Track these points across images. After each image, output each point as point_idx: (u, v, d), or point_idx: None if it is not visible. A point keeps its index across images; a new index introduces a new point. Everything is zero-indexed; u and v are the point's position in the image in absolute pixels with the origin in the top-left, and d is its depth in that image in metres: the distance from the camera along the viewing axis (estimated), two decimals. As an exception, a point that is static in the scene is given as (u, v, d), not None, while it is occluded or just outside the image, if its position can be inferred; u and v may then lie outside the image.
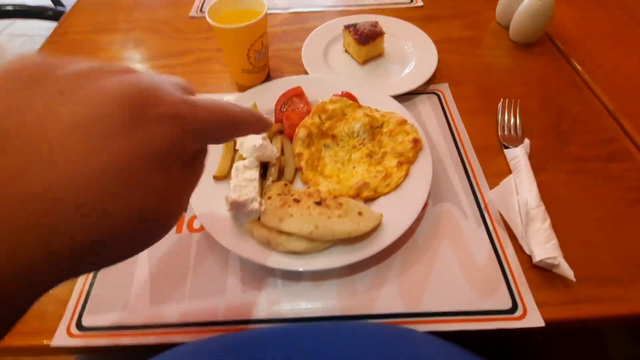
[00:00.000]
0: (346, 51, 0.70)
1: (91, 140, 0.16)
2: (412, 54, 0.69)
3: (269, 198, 0.46)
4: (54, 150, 0.16)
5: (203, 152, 0.24)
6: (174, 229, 0.48)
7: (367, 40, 0.64)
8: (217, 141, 0.24)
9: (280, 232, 0.43)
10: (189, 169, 0.22)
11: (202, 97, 0.22)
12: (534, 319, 0.41)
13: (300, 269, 0.42)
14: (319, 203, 0.44)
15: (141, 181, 0.18)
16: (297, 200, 0.45)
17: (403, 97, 0.61)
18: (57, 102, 0.17)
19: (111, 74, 0.19)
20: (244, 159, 0.49)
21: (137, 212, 0.18)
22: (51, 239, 0.16)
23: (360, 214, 0.44)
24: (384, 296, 0.43)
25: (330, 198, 0.46)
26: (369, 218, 0.44)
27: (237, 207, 0.43)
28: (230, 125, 0.23)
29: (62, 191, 0.16)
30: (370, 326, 0.39)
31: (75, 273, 0.18)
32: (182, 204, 0.22)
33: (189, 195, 0.23)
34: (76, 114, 0.16)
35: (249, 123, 0.25)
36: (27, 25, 2.55)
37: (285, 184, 0.49)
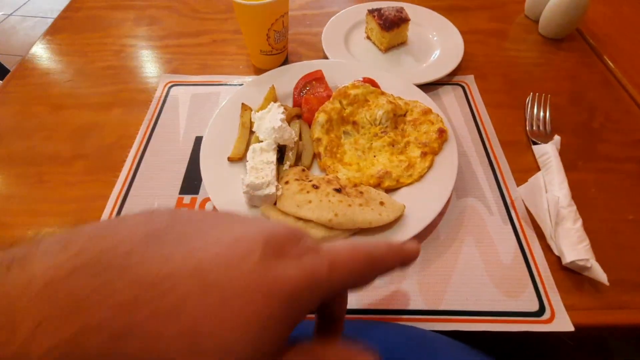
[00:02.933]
0: (368, 37, 0.68)
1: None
2: (437, 43, 0.66)
3: (286, 183, 0.44)
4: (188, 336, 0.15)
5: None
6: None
7: (391, 26, 0.61)
8: (354, 288, 0.22)
9: (298, 218, 0.41)
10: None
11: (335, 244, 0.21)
12: (562, 323, 0.38)
13: (318, 258, 0.40)
14: (338, 190, 0.42)
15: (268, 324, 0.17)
16: (315, 187, 0.42)
17: (426, 87, 0.58)
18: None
19: (246, 221, 0.19)
20: (261, 141, 0.47)
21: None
22: None
23: (382, 203, 0.42)
24: (403, 292, 0.40)
25: (350, 186, 0.44)
26: (392, 208, 0.41)
27: (253, 190, 0.41)
28: (368, 270, 0.21)
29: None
30: (394, 327, 0.37)
31: None
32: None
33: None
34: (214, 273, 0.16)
35: (388, 261, 0.22)
36: (40, 7, 2.54)
37: (303, 170, 0.47)
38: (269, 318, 0.16)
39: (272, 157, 0.45)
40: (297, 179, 0.44)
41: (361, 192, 0.43)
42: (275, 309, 0.16)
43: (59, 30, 0.72)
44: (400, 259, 0.23)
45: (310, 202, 0.41)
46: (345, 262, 0.20)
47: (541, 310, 0.39)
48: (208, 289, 0.15)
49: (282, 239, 0.18)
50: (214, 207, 0.45)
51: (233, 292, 0.16)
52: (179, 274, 0.16)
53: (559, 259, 0.42)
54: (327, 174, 0.47)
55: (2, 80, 0.98)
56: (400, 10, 0.63)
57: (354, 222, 0.40)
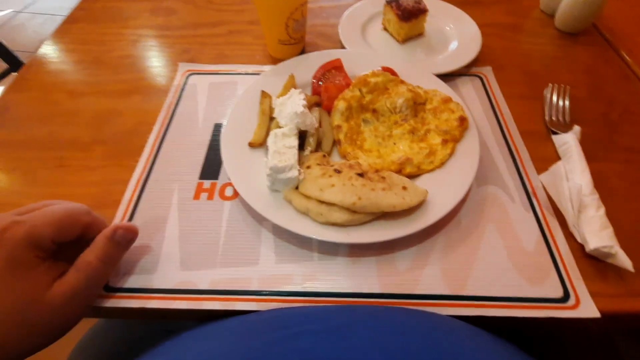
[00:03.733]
0: (385, 29, 0.68)
1: None
2: (454, 35, 0.66)
3: (308, 167, 0.44)
4: None
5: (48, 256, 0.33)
6: (206, 195, 0.46)
7: (409, 17, 0.61)
8: (62, 239, 0.34)
9: (321, 202, 0.41)
10: (36, 271, 0.32)
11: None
12: (588, 309, 0.38)
13: (342, 241, 0.40)
14: (361, 175, 0.42)
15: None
16: (338, 171, 0.42)
17: (444, 78, 0.58)
18: None
19: None
20: (282, 127, 0.47)
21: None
22: None
23: (404, 188, 0.42)
24: (426, 277, 0.40)
25: (372, 171, 0.44)
26: (415, 193, 0.41)
27: (276, 173, 0.41)
28: (68, 225, 0.34)
29: None
30: (416, 313, 0.37)
31: None
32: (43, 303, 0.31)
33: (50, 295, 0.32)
34: None
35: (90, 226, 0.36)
36: (50, 5, 2.56)
37: (324, 155, 0.47)
38: None
39: (294, 142, 0.45)
40: (318, 164, 0.44)
41: (383, 177, 0.43)
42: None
43: (77, 20, 0.73)
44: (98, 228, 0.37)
45: (333, 185, 0.41)
46: (43, 224, 0.32)
47: (566, 297, 0.39)
48: None
49: None
50: (235, 191, 0.45)
51: None
52: None
53: (582, 246, 0.42)
54: (347, 161, 0.47)
55: (15, 72, 0.99)
56: (419, 1, 0.63)
57: (378, 205, 0.39)
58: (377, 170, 0.45)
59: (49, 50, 0.66)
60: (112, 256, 0.36)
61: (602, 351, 0.62)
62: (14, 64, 1.13)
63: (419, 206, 0.42)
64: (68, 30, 0.71)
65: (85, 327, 0.52)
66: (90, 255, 0.34)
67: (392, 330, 0.32)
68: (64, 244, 0.34)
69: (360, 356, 0.29)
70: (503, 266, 0.41)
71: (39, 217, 0.32)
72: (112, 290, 0.39)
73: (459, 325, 0.36)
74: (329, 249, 0.42)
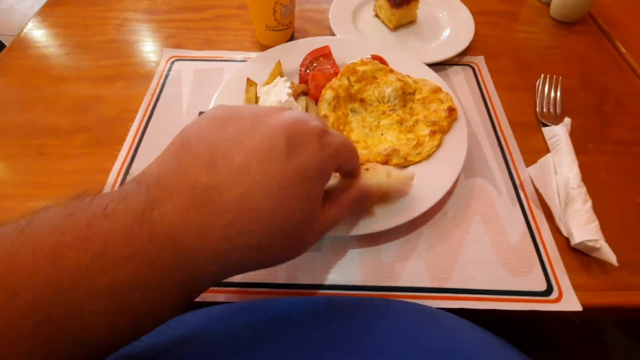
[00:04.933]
0: (376, 16, 0.66)
1: (265, 165, 0.23)
2: (447, 22, 0.65)
3: (293, 158, 0.43)
4: (242, 173, 0.23)
5: None
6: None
7: (401, 3, 0.60)
8: (344, 168, 0.31)
9: (304, 193, 0.40)
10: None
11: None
12: (570, 303, 0.38)
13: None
14: (346, 166, 0.41)
15: (299, 195, 0.24)
16: (322, 162, 0.41)
17: (435, 67, 0.57)
18: (242, 136, 0.24)
19: (274, 114, 0.26)
20: (267, 116, 0.46)
21: (296, 219, 0.25)
22: (234, 238, 0.22)
23: (388, 175, 0.41)
24: (410, 269, 0.40)
25: (358, 162, 0.43)
26: (399, 175, 0.41)
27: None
28: (354, 156, 0.32)
29: (248, 202, 0.22)
30: (399, 304, 0.36)
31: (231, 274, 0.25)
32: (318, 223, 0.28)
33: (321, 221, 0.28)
34: (253, 147, 0.23)
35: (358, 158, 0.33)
36: (38, -14, 2.49)
37: (309, 146, 0.46)
38: (299, 187, 0.24)
39: (278, 131, 0.44)
40: (303, 154, 0.43)
41: (367, 170, 0.42)
42: (302, 182, 0.24)
43: (59, 3, 0.70)
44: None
45: (317, 176, 0.40)
46: (343, 152, 0.29)
47: (549, 290, 0.39)
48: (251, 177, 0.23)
49: (299, 134, 0.25)
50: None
51: (269, 179, 0.23)
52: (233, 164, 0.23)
53: (567, 240, 0.42)
54: (333, 151, 0.46)
55: None
56: (411, -13, 0.61)
57: (362, 197, 0.39)
58: (362, 163, 0.44)
59: (30, 34, 0.64)
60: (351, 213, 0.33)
61: (587, 340, 0.63)
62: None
63: (405, 198, 0.41)
64: (50, 13, 0.68)
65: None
66: (351, 196, 0.32)
67: (379, 320, 0.32)
68: None
69: (343, 345, 0.29)
70: (487, 259, 0.41)
71: (339, 138, 0.28)
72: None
73: (444, 315, 0.36)
74: (313, 241, 0.41)
